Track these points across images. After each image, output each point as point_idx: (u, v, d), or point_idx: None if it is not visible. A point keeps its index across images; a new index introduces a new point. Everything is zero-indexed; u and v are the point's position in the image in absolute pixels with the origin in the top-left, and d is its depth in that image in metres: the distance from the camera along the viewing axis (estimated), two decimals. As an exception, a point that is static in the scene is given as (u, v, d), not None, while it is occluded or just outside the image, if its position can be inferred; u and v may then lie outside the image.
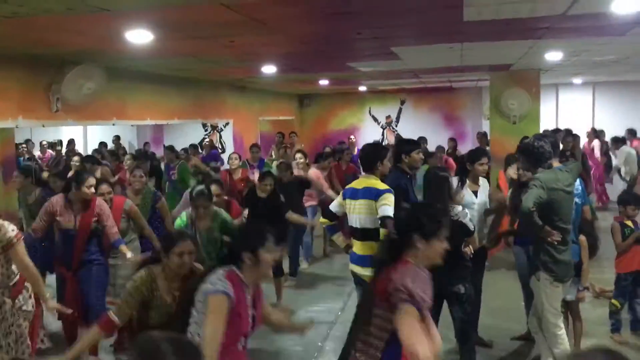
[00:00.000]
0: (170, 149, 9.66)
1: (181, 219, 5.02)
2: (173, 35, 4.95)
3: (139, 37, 4.78)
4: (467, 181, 5.23)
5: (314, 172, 7.87)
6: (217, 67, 7.63)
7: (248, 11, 4.06)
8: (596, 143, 11.68)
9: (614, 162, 10.88)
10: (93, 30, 4.59)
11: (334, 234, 5.07)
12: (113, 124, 7.48)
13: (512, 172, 5.31)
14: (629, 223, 5.24)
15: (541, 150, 4.42)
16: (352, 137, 12.33)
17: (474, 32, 5.28)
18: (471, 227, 4.33)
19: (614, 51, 7.21)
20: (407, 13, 4.40)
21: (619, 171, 10.40)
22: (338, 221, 4.98)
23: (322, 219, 5.08)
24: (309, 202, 7.89)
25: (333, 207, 4.93)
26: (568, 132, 9.82)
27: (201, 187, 5.07)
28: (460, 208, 4.36)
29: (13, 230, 3.83)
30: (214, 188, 5.33)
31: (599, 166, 11.43)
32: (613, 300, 5.28)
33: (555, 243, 4.28)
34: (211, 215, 4.99)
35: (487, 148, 10.30)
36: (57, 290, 5.07)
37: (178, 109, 8.69)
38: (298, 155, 8.30)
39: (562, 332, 4.44)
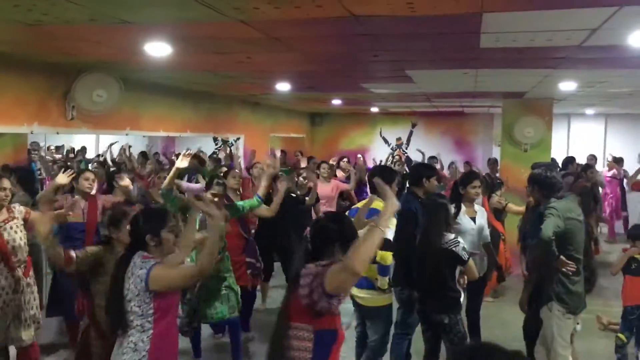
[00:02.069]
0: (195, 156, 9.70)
1: None
2: (191, 49, 5.00)
3: (158, 50, 4.84)
4: (463, 207, 5.24)
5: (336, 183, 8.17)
6: (231, 82, 7.69)
7: (266, 29, 4.11)
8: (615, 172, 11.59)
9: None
10: (113, 41, 4.65)
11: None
12: (126, 134, 7.53)
13: (496, 200, 5.28)
14: (638, 256, 5.20)
15: (554, 180, 4.43)
16: (359, 156, 12.30)
17: (490, 58, 5.30)
18: (464, 256, 4.29)
19: (630, 84, 7.21)
20: (424, 37, 4.43)
21: None
22: None
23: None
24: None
25: None
26: (588, 165, 9.77)
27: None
28: (452, 236, 4.33)
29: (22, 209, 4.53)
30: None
31: (616, 196, 11.34)
32: (619, 334, 5.22)
33: (570, 274, 4.26)
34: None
35: (497, 175, 10.30)
36: (50, 289, 5.32)
37: (190, 121, 8.75)
38: (323, 165, 8.39)
39: None
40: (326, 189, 8.04)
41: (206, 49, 5.04)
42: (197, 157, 9.57)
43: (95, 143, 13.47)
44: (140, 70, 6.32)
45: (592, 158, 11.82)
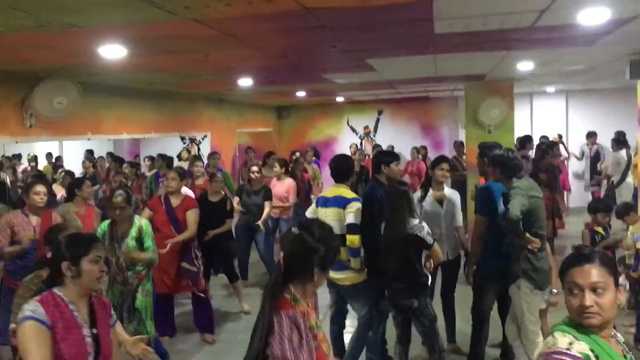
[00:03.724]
0: (162, 157, 9.62)
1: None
2: (147, 50, 4.95)
3: (113, 52, 4.77)
4: (431, 190, 5.32)
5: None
6: (193, 81, 7.63)
7: (221, 26, 4.08)
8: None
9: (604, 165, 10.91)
10: (65, 46, 4.57)
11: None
12: (88, 139, 7.42)
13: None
14: (599, 229, 5.35)
15: (516, 161, 4.52)
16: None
17: (446, 44, 5.36)
18: (429, 240, 4.37)
19: (583, 61, 7.36)
20: (379, 26, 4.45)
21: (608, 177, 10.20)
22: None
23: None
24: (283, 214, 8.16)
25: (308, 214, 5.08)
26: (553, 142, 9.99)
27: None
28: (416, 221, 4.41)
29: None
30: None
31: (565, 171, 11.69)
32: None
33: (535, 250, 4.36)
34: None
35: (464, 157, 10.46)
36: None
37: (154, 122, 8.66)
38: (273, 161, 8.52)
39: (541, 339, 4.51)
40: (280, 189, 8.07)
41: (162, 49, 4.99)
42: (164, 158, 9.52)
43: (59, 149, 13.24)
44: (97, 74, 6.23)
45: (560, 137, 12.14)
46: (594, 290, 1.90)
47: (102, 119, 7.39)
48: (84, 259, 2.59)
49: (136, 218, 5.15)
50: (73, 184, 6.09)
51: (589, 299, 1.89)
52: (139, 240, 4.99)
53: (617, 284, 1.95)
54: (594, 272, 1.91)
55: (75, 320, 2.54)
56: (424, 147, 13.16)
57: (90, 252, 2.62)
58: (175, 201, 6.01)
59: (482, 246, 4.85)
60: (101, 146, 13.37)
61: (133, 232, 5.01)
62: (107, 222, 5.13)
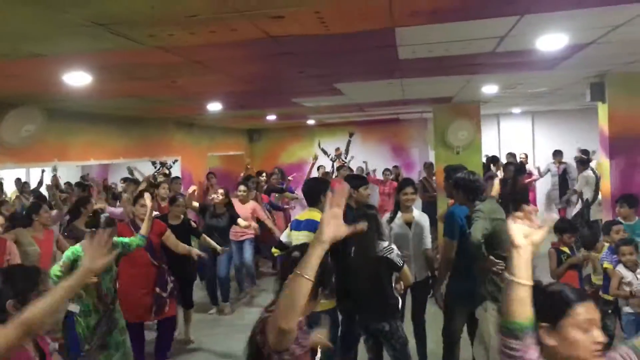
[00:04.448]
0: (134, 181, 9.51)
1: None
2: (113, 77, 4.94)
3: (78, 79, 4.75)
4: (399, 212, 5.37)
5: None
6: (162, 106, 7.60)
7: (186, 54, 4.10)
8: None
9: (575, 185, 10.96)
10: (29, 74, 4.54)
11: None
12: (54, 166, 7.32)
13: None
14: (565, 249, 5.44)
15: (477, 184, 4.59)
16: (290, 177, 12.38)
17: (411, 69, 5.46)
18: (399, 262, 4.39)
19: (546, 84, 7.56)
20: (344, 53, 4.52)
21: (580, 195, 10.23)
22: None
23: (274, 249, 5.15)
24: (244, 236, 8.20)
25: (283, 237, 5.05)
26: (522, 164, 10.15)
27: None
28: (385, 244, 4.44)
29: None
30: None
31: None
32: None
33: (500, 272, 4.41)
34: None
35: (434, 178, 10.58)
36: None
37: (123, 147, 8.59)
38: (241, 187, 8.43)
39: None
40: (244, 210, 8.07)
41: (128, 76, 4.98)
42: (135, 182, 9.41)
43: (26, 175, 12.99)
44: (63, 100, 6.17)
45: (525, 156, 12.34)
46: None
47: (69, 145, 7.31)
48: (32, 294, 2.31)
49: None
50: (30, 209, 5.99)
51: (601, 334, 1.81)
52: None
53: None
54: (595, 309, 1.86)
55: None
56: (396, 167, 13.29)
57: (37, 286, 2.35)
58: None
59: (450, 269, 4.90)
60: (69, 172, 13.19)
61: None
62: (78, 247, 4.96)
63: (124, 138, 8.61)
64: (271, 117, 11.14)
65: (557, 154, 11.94)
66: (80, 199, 7.01)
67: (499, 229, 4.40)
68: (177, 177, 9.74)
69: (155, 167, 13.24)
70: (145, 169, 12.80)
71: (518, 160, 11.82)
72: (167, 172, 11.78)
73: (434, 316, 5.57)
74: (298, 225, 4.87)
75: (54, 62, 4.09)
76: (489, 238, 4.31)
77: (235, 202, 8.08)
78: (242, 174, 11.06)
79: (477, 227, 4.25)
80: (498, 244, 4.41)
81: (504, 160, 11.76)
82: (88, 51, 3.85)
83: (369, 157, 14.27)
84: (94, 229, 4.70)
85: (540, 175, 12.21)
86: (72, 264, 4.59)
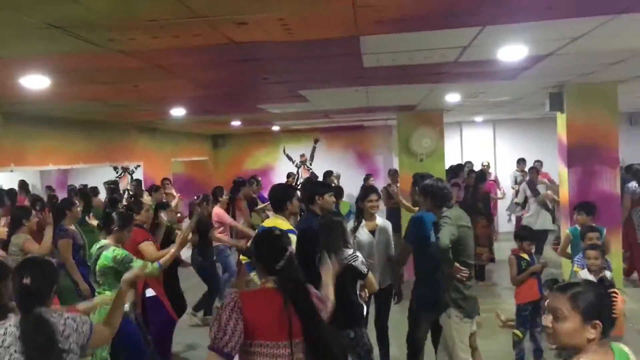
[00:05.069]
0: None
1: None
2: (72, 80, 4.82)
3: (35, 82, 4.62)
4: (363, 220, 5.39)
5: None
6: (123, 110, 7.47)
7: (147, 58, 4.04)
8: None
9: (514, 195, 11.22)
10: (-16, 76, 4.40)
11: (251, 271, 5.06)
12: (11, 171, 7.11)
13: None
14: (525, 256, 5.53)
15: (445, 191, 4.62)
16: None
17: (375, 76, 5.49)
18: (363, 270, 4.39)
19: (507, 93, 7.71)
20: (309, 59, 4.52)
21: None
22: None
23: (242, 256, 5.10)
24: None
25: (251, 244, 4.97)
26: (471, 169, 10.29)
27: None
28: (350, 251, 4.44)
29: None
30: None
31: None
32: (514, 331, 5.51)
33: (464, 279, 4.45)
34: None
35: (398, 185, 10.65)
36: None
37: (83, 152, 8.40)
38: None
39: None
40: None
41: (88, 80, 4.88)
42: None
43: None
44: (21, 103, 6.01)
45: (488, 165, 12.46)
46: (555, 315, 2.17)
47: (27, 150, 7.11)
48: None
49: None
50: None
51: (547, 319, 2.21)
52: None
53: (588, 321, 2.13)
54: (559, 301, 2.18)
55: None
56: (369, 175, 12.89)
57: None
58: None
59: (402, 272, 4.97)
60: (28, 178, 12.83)
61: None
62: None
63: (84, 142, 8.43)
64: (236, 123, 11.07)
65: (521, 161, 12.12)
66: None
67: (465, 235, 4.45)
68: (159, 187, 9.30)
69: (117, 173, 13.01)
70: (106, 174, 12.59)
71: (480, 167, 11.97)
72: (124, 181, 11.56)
73: (397, 322, 5.59)
74: None
75: (10, 64, 3.97)
76: (455, 244, 4.35)
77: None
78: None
79: (444, 233, 4.28)
80: (463, 251, 4.46)
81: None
82: (46, 54, 3.75)
83: (334, 163, 14.29)
84: None
85: (513, 188, 12.05)
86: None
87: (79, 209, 6.56)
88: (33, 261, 2.86)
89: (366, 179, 11.94)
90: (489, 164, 13.00)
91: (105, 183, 11.06)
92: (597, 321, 2.12)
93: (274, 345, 2.65)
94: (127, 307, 4.52)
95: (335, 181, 12.37)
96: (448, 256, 4.34)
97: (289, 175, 13.42)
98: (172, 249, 4.78)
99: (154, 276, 4.83)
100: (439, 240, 4.30)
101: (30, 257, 3.08)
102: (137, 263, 4.42)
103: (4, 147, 6.56)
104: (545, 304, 2.27)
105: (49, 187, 12.62)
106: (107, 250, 4.47)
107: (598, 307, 2.17)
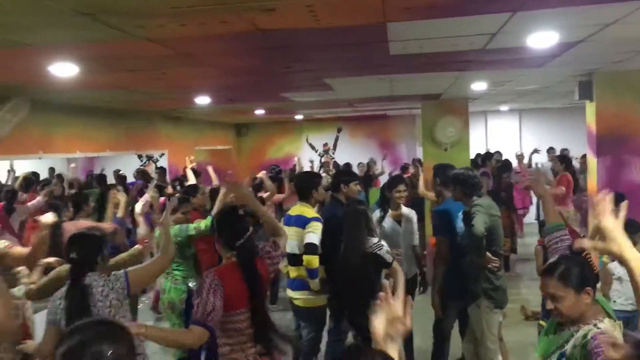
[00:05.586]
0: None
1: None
2: (100, 68, 4.86)
3: (64, 70, 4.67)
4: (389, 210, 5.36)
5: None
6: (149, 98, 7.52)
7: (175, 46, 4.05)
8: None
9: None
10: (15, 64, 4.46)
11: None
12: (39, 158, 7.22)
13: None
14: (553, 247, 5.45)
15: (476, 179, 4.58)
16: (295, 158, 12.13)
17: (401, 64, 5.44)
18: (388, 259, 4.38)
19: (535, 81, 7.58)
20: (334, 47, 4.49)
21: None
22: None
23: None
24: None
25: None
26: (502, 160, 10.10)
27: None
28: (375, 240, 4.42)
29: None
30: None
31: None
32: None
33: (495, 270, 4.42)
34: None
35: (422, 174, 10.55)
36: None
37: (109, 140, 8.49)
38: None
39: (500, 358, 4.57)
40: None
41: (116, 68, 4.91)
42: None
43: (10, 167, 12.80)
44: (49, 91, 6.08)
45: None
46: (553, 298, 2.41)
47: (54, 137, 7.21)
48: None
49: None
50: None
51: (549, 304, 2.45)
52: None
53: (581, 289, 2.37)
54: (551, 285, 2.42)
55: None
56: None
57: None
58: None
59: (445, 266, 4.87)
60: (55, 165, 13.04)
61: None
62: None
63: (110, 130, 8.52)
64: (259, 112, 11.08)
65: (551, 150, 11.96)
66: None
67: (496, 224, 4.42)
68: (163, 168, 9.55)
69: (142, 161, 13.15)
70: (131, 162, 12.73)
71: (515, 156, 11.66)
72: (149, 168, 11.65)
73: (420, 312, 5.56)
74: (289, 221, 4.86)
75: (41, 52, 4.01)
76: (487, 233, 4.31)
77: None
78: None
79: (478, 220, 4.25)
80: (494, 240, 4.42)
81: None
82: (75, 41, 3.78)
83: (357, 152, 14.25)
84: None
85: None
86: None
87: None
88: (78, 236, 3.22)
89: (404, 168, 11.65)
90: (522, 154, 12.59)
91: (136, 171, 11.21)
92: (588, 287, 2.38)
93: (239, 313, 3.03)
94: (192, 284, 5.06)
95: (379, 167, 12.17)
96: (482, 244, 4.30)
97: (312, 162, 13.35)
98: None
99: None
100: (473, 228, 4.25)
101: (76, 233, 3.33)
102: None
103: (33, 134, 6.66)
104: (540, 290, 2.52)
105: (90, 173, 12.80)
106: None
107: (584, 275, 2.40)
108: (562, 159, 9.33)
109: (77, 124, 7.72)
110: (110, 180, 9.89)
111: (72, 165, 11.16)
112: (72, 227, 4.85)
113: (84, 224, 4.91)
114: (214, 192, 5.92)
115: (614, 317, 2.42)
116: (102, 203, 6.40)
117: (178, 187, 8.32)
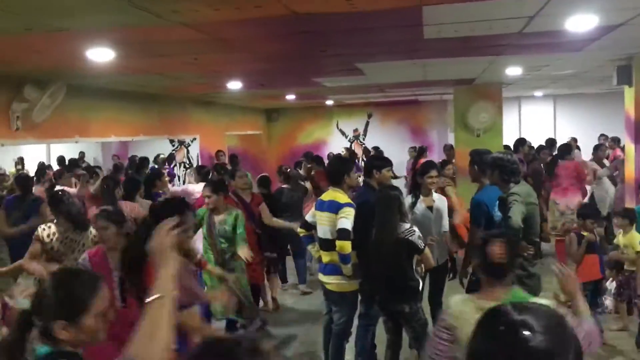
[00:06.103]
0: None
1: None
2: (135, 53, 4.92)
3: (100, 55, 4.74)
4: (421, 196, 5.31)
5: None
6: (182, 83, 7.59)
7: (209, 30, 4.07)
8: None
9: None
10: (53, 49, 4.54)
11: (309, 244, 5.12)
12: (76, 142, 7.37)
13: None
14: (586, 233, 5.35)
15: (515, 165, 4.49)
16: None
17: (435, 49, 5.38)
18: (420, 245, 4.35)
19: (572, 66, 7.42)
20: (369, 31, 4.46)
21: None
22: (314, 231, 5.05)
23: (299, 229, 5.15)
24: None
25: (308, 217, 5.05)
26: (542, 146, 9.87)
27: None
28: (407, 225, 4.39)
29: None
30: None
31: None
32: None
33: (530, 257, 4.36)
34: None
35: (454, 161, 10.44)
36: None
37: (143, 125, 8.61)
38: None
39: None
40: None
41: (151, 53, 4.97)
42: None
43: (46, 153, 13.10)
44: (85, 76, 6.18)
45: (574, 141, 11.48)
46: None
47: (90, 122, 7.34)
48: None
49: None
50: None
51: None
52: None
53: None
54: None
55: None
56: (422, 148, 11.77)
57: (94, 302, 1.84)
58: (247, 197, 6.22)
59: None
60: (89, 149, 13.28)
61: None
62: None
63: (143, 115, 8.63)
64: (290, 97, 11.09)
65: (600, 137, 11.13)
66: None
67: (533, 212, 4.34)
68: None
69: (173, 146, 13.30)
70: (163, 147, 12.90)
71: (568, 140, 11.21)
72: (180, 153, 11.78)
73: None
74: (321, 206, 4.85)
75: (78, 36, 4.07)
76: (524, 222, 4.24)
77: None
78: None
79: (515, 212, 4.16)
80: (530, 228, 4.35)
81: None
82: (112, 26, 3.83)
83: (388, 138, 14.16)
84: None
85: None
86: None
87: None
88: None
89: (422, 150, 10.98)
90: (576, 140, 11.99)
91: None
92: None
93: None
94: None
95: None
96: (518, 235, 4.24)
97: (344, 149, 13.27)
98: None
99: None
100: (510, 219, 4.18)
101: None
102: None
103: (69, 119, 6.79)
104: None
105: (115, 156, 13.05)
106: None
107: None
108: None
109: (112, 109, 7.84)
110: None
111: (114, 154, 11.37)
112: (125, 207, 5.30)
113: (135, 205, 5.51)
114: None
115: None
116: (148, 187, 6.60)
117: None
